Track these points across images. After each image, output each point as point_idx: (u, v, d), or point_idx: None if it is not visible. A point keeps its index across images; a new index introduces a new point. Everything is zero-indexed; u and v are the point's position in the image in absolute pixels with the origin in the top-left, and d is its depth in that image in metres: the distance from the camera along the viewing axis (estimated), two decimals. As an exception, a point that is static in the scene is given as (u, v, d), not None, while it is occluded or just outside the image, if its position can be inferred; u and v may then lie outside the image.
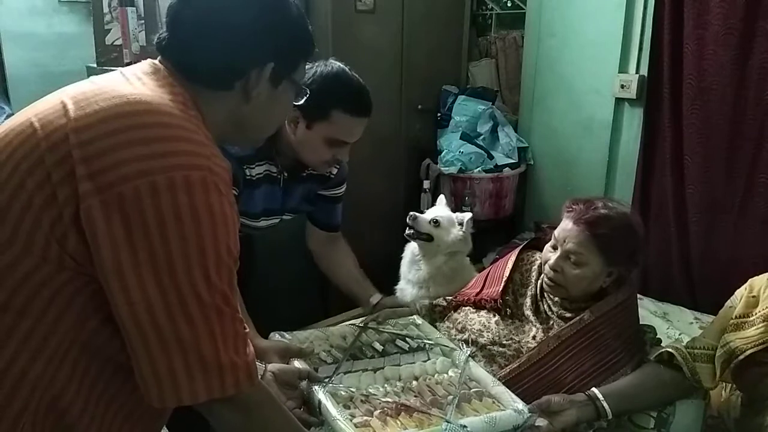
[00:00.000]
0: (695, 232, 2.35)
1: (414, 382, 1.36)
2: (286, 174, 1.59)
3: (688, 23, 2.26)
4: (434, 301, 1.77)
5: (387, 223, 2.17)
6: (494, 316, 1.59)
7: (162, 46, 0.95)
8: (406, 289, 2.02)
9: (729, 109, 2.21)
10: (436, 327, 1.66)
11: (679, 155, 2.37)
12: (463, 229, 2.00)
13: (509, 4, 3.11)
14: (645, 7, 2.49)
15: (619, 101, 2.64)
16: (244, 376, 0.87)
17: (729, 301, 1.43)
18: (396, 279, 2.11)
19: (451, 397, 1.28)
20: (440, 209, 2.06)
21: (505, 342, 1.52)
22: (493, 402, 1.29)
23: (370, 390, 1.31)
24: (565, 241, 1.50)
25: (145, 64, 0.94)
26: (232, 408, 0.90)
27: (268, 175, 1.55)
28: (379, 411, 1.23)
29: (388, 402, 1.26)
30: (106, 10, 2.32)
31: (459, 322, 1.63)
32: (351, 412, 1.24)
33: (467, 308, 1.66)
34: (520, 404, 1.25)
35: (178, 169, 0.79)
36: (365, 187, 2.87)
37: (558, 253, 1.51)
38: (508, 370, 1.45)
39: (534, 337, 1.52)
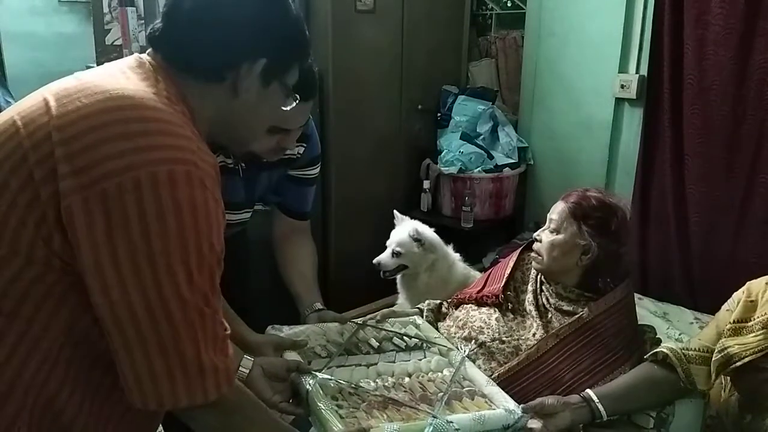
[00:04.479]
0: (695, 232, 2.35)
1: (406, 379, 1.35)
2: (243, 164, 1.50)
3: (688, 23, 2.26)
4: (438, 303, 1.77)
5: (387, 224, 2.16)
6: (495, 312, 1.60)
7: (155, 36, 0.93)
8: (404, 304, 2.02)
9: (729, 109, 2.21)
10: (437, 327, 1.66)
11: (679, 155, 2.37)
12: (421, 243, 1.98)
13: (509, 4, 3.11)
14: (645, 7, 2.49)
15: (619, 101, 2.65)
16: (224, 380, 0.86)
17: (726, 304, 1.42)
18: (395, 279, 2.11)
19: (441, 393, 1.27)
20: (398, 233, 2.02)
21: (504, 339, 1.53)
22: (485, 401, 1.27)
23: (361, 384, 1.30)
24: (549, 214, 1.60)
25: (131, 59, 0.93)
26: (212, 411, 0.89)
27: (224, 166, 1.46)
28: (366, 403, 1.23)
29: (376, 396, 1.25)
30: (106, 10, 2.32)
31: (460, 319, 1.63)
32: (338, 404, 1.23)
33: (469, 306, 1.67)
34: (512, 404, 1.24)
35: (162, 163, 0.78)
36: (365, 187, 2.88)
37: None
38: (507, 367, 1.46)
39: (534, 335, 1.52)
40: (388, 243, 2.01)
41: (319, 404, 1.18)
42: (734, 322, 1.34)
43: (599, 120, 2.71)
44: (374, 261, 1.97)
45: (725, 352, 1.32)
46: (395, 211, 2.13)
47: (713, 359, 1.34)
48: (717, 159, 2.27)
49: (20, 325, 0.81)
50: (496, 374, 1.45)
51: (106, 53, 2.33)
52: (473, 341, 1.53)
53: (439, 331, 1.62)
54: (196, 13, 0.91)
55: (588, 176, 2.72)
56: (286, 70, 0.99)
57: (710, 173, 2.29)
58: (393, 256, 1.97)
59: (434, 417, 1.15)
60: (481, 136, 2.97)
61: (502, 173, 2.90)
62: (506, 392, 1.31)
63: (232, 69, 0.92)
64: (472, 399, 1.28)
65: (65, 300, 0.82)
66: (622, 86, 2.59)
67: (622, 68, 2.60)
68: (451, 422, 1.14)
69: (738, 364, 1.30)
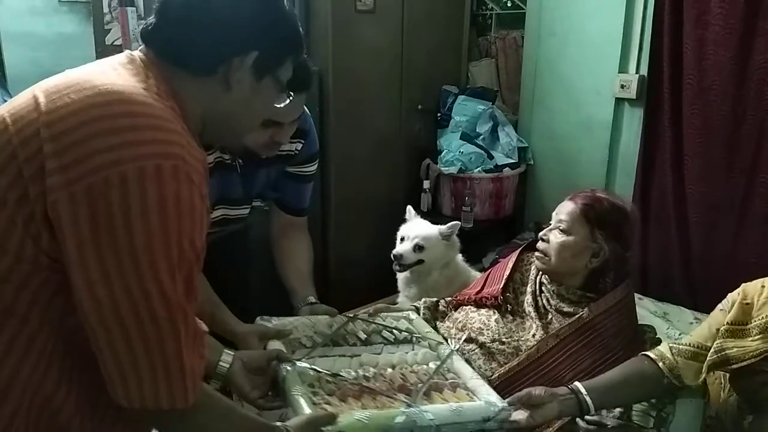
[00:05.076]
0: (695, 232, 2.35)
1: (389, 370, 1.33)
2: (241, 161, 1.50)
3: (688, 23, 2.27)
4: (435, 300, 1.77)
5: (387, 223, 2.16)
6: (494, 314, 1.60)
7: (148, 31, 0.94)
8: (405, 302, 2.01)
9: (729, 109, 2.21)
10: (436, 326, 1.66)
11: (679, 155, 2.37)
12: (450, 240, 1.98)
13: (509, 4, 3.11)
14: (645, 7, 2.50)
15: (619, 101, 2.65)
16: (198, 383, 0.86)
17: (720, 304, 1.41)
18: (395, 278, 2.11)
19: (421, 384, 1.25)
20: (417, 227, 2.01)
21: (504, 339, 1.52)
22: (467, 394, 1.25)
23: (341, 373, 1.28)
24: (557, 214, 1.58)
25: (122, 55, 0.93)
26: (191, 417, 0.88)
27: (221, 162, 1.47)
28: (340, 391, 1.22)
29: (354, 384, 1.24)
30: (106, 10, 2.33)
31: (459, 321, 1.63)
32: (314, 391, 1.22)
33: (468, 307, 1.66)
34: (493, 397, 1.21)
35: (150, 158, 0.78)
36: (365, 187, 2.88)
37: (550, 226, 1.59)
38: (508, 368, 1.46)
39: (534, 335, 1.52)
40: (405, 236, 1.98)
41: (293, 389, 1.18)
42: (730, 323, 1.34)
43: (599, 120, 2.71)
44: (394, 253, 1.95)
45: (723, 353, 1.31)
46: (410, 207, 2.11)
47: (708, 357, 1.33)
48: (717, 159, 2.27)
49: (14, 324, 0.81)
50: (497, 375, 1.45)
51: (106, 53, 2.32)
52: (460, 340, 1.53)
53: (437, 331, 1.62)
54: (187, 9, 0.91)
55: (588, 176, 2.73)
56: (279, 65, 0.99)
57: (710, 173, 2.29)
58: (415, 250, 1.96)
59: (409, 406, 1.14)
60: (481, 136, 2.97)
61: (502, 173, 2.90)
62: (507, 392, 1.30)
63: (224, 63, 0.92)
64: (454, 391, 1.26)
65: (55, 300, 0.82)
66: (622, 86, 2.59)
67: (622, 68, 2.60)
68: (426, 412, 1.12)
69: (735, 366, 1.29)
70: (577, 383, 1.32)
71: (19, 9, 2.92)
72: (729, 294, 1.40)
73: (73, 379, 0.86)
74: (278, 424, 1.05)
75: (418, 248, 1.95)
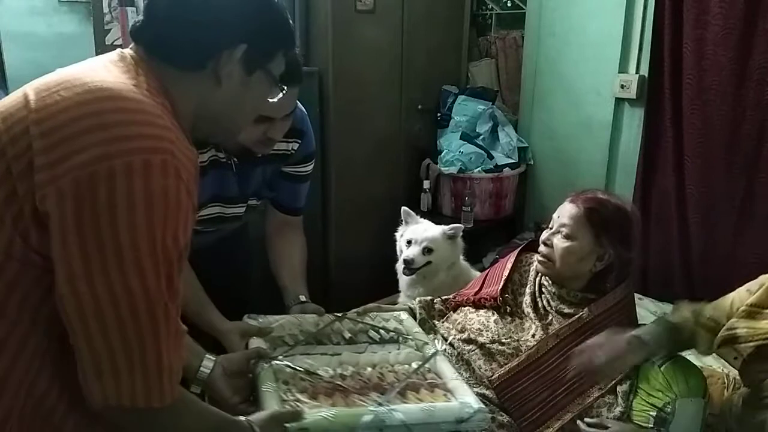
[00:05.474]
0: (695, 232, 2.35)
1: (368, 369, 1.32)
2: (236, 159, 1.50)
3: (688, 23, 2.27)
4: (429, 299, 1.76)
5: (387, 224, 2.16)
6: (493, 314, 1.59)
7: (136, 29, 0.94)
8: (407, 302, 2.01)
9: (729, 109, 2.21)
10: (434, 325, 1.66)
11: (679, 155, 2.37)
12: (457, 241, 1.99)
13: (509, 4, 3.11)
14: (645, 7, 2.50)
15: (619, 101, 2.65)
16: (176, 383, 0.86)
17: (748, 284, 1.41)
18: (396, 278, 2.11)
19: (397, 383, 1.24)
20: (423, 229, 2.01)
21: (504, 340, 1.52)
22: (445, 394, 1.23)
23: (318, 372, 1.27)
24: (559, 217, 1.57)
25: (113, 53, 0.93)
26: (160, 412, 0.87)
27: (216, 160, 1.46)
28: (313, 389, 1.21)
29: (328, 382, 1.23)
30: (106, 10, 2.33)
31: (458, 323, 1.63)
32: (287, 388, 1.21)
33: (466, 308, 1.66)
34: (470, 398, 1.18)
35: (138, 152, 0.77)
36: (365, 187, 2.88)
37: (552, 229, 1.57)
38: (508, 368, 1.46)
39: (533, 335, 1.52)
40: (412, 240, 1.99)
41: (263, 386, 1.17)
42: (750, 305, 1.34)
43: (599, 120, 2.71)
44: (405, 258, 1.96)
45: (733, 331, 1.33)
46: (406, 209, 2.10)
47: (720, 333, 1.35)
48: (717, 159, 2.27)
49: (6, 324, 0.81)
50: (497, 375, 1.45)
51: (106, 53, 2.33)
52: (472, 342, 1.52)
53: (436, 330, 1.62)
54: (174, 5, 0.91)
55: (588, 176, 2.73)
56: (270, 58, 0.98)
57: (710, 173, 2.29)
58: (424, 252, 1.96)
59: (379, 404, 1.12)
60: (481, 136, 2.97)
61: (502, 173, 2.90)
62: (507, 392, 1.29)
63: (213, 57, 0.92)
64: (432, 391, 1.24)
65: (46, 299, 0.82)
66: (622, 86, 2.60)
67: (622, 68, 2.60)
68: (396, 411, 1.10)
69: (742, 345, 1.31)
70: (637, 332, 1.37)
71: (19, 9, 2.92)
72: (761, 276, 1.40)
73: (67, 381, 0.86)
74: (241, 418, 1.04)
75: (427, 251, 1.96)
